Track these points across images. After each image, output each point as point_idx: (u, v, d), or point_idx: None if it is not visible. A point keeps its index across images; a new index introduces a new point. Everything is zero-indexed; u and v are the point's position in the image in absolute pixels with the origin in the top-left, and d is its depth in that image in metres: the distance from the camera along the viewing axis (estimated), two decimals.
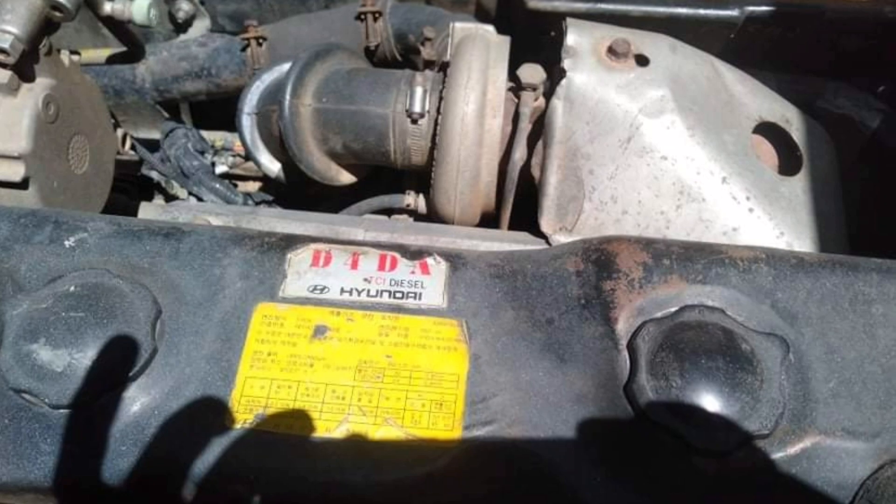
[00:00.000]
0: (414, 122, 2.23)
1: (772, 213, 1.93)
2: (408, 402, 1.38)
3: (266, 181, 2.90)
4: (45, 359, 1.33)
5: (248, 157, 2.57)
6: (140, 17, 2.48)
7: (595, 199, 1.97)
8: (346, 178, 2.48)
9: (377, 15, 2.56)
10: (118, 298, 1.41)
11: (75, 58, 2.26)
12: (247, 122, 2.49)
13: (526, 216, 2.14)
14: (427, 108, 2.23)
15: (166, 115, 2.96)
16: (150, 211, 2.18)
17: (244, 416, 1.34)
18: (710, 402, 1.32)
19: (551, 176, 2.00)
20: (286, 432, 1.35)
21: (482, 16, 2.74)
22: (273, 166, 2.55)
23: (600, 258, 1.50)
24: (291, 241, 1.55)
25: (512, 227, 2.23)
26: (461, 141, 2.12)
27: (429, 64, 2.44)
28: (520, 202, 2.17)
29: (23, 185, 1.90)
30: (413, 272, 1.54)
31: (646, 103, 1.95)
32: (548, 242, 2.02)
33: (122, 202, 2.60)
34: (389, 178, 2.59)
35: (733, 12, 2.44)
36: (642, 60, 2.05)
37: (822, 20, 2.50)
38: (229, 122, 2.64)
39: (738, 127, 2.07)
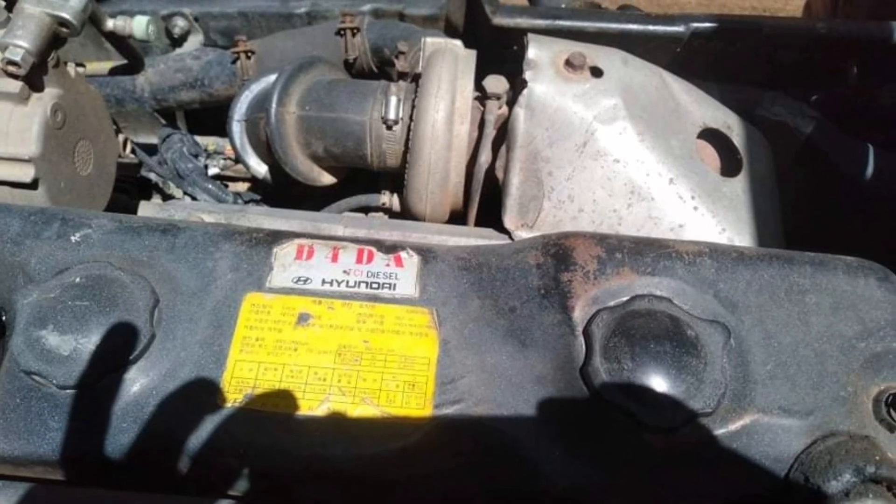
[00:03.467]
0: (389, 128, 2.24)
1: (714, 211, 1.94)
2: (383, 383, 1.38)
3: (254, 182, 2.89)
4: (53, 343, 1.33)
5: (238, 160, 2.57)
6: (139, 32, 2.48)
7: (554, 198, 1.97)
8: (327, 179, 2.48)
9: (355, 31, 2.56)
10: (119, 289, 1.41)
11: (80, 69, 2.25)
12: (237, 128, 2.49)
13: (491, 214, 2.14)
14: (401, 115, 2.24)
15: (163, 121, 2.95)
16: (148, 209, 2.18)
17: (234, 395, 1.34)
18: (659, 383, 1.33)
19: (514, 177, 2.00)
20: (273, 410, 1.35)
21: (451, 31, 2.74)
22: (261, 168, 2.55)
23: (558, 252, 1.50)
24: (277, 237, 1.55)
25: (478, 223, 2.23)
26: (432, 145, 2.12)
27: (402, 75, 2.45)
28: (485, 201, 2.17)
29: (33, 185, 1.90)
30: (388, 265, 1.54)
31: (600, 111, 1.96)
32: (511, 238, 2.03)
33: (123, 201, 2.59)
34: (366, 179, 2.58)
35: (679, 28, 2.46)
36: (597, 72, 2.05)
37: (760, 35, 2.51)
38: (221, 129, 2.63)
39: (685, 132, 2.08)
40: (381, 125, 2.29)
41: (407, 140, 2.26)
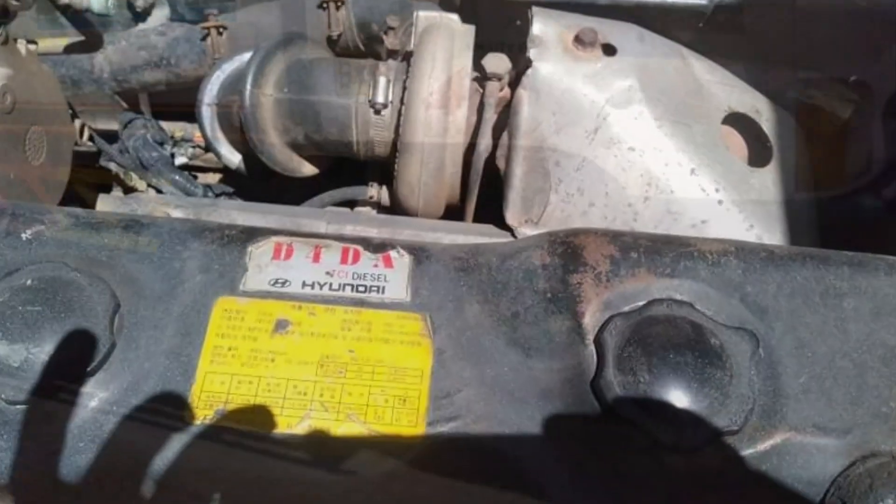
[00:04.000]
0: (377, 112, 2.24)
1: (741, 206, 1.94)
2: (371, 398, 1.38)
3: (227, 173, 2.90)
4: (1, 353, 1.33)
5: (209, 148, 2.57)
6: (98, 5, 2.48)
7: (561, 190, 1.98)
8: (308, 169, 2.48)
9: (340, 3, 2.56)
10: (76, 292, 1.41)
11: (32, 47, 2.25)
12: (207, 112, 2.49)
13: (491, 208, 2.14)
14: (390, 98, 2.24)
15: (125, 105, 2.94)
16: (108, 203, 2.18)
17: (204, 411, 1.34)
18: (679, 397, 1.33)
19: (517, 167, 2.01)
20: (247, 428, 1.35)
21: (446, 5, 2.73)
22: (234, 157, 2.55)
23: (567, 251, 1.51)
24: (252, 234, 1.55)
25: (477, 219, 2.24)
26: (425, 132, 2.13)
27: (392, 53, 2.44)
28: (485, 194, 2.17)
29: None
30: (376, 265, 1.54)
31: (613, 94, 1.96)
32: (513, 235, 2.06)
33: (79, 194, 2.59)
34: (352, 169, 2.58)
35: (702, 0, 2.44)
36: (609, 50, 2.05)
37: (793, 8, 2.50)
38: (189, 114, 2.63)
39: (708, 118, 2.08)
40: (368, 109, 2.29)
41: (397, 126, 2.26)
